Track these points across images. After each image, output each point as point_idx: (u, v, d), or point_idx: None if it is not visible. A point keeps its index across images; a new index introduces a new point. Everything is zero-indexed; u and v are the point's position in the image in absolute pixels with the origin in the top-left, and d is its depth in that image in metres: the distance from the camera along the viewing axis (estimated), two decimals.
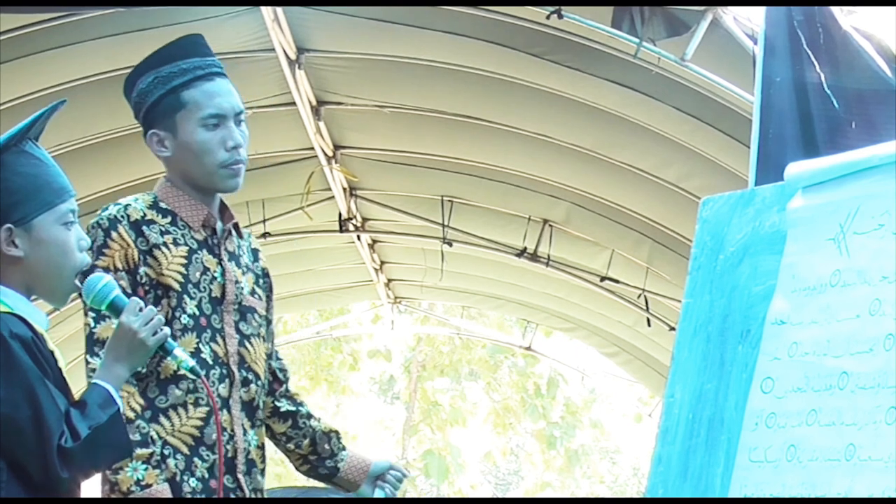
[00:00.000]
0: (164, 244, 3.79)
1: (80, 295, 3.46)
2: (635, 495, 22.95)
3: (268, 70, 8.20)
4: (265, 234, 10.64)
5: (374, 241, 11.97)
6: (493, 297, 13.33)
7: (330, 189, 10.35)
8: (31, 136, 3.33)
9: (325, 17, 7.72)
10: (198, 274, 3.82)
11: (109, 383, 3.28)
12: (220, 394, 3.79)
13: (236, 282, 3.89)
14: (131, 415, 3.64)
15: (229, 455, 3.80)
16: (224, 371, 3.81)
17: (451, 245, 10.98)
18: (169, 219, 3.84)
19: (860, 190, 3.18)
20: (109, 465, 3.41)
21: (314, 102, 8.93)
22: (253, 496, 3.85)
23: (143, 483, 3.64)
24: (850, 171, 3.23)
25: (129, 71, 3.95)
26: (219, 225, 3.92)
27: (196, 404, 3.75)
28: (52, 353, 3.24)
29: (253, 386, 3.87)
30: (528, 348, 15.41)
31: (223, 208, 3.95)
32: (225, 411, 3.80)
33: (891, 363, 2.97)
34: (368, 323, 17.72)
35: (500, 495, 25.93)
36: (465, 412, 22.77)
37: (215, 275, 3.85)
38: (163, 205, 3.86)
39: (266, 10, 7.47)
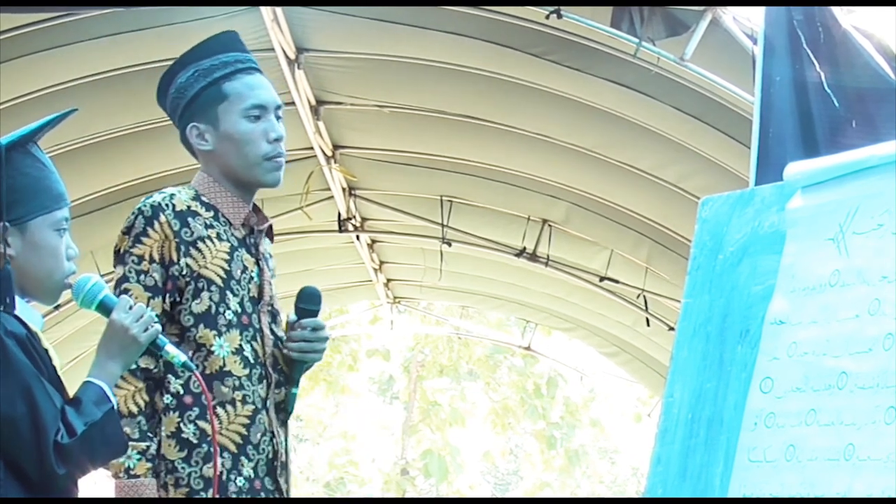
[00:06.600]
0: (209, 237, 3.75)
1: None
2: (635, 495, 22.96)
3: (267, 70, 8.06)
4: None
5: (374, 241, 11.97)
6: (492, 297, 13.33)
7: (329, 189, 10.35)
8: (35, 140, 3.35)
9: (324, 16, 7.71)
10: (239, 272, 3.79)
11: (103, 381, 3.29)
12: (259, 394, 3.77)
13: (270, 283, 3.88)
14: (134, 409, 3.64)
15: (270, 456, 3.79)
16: (262, 371, 3.79)
17: (450, 245, 10.98)
18: (212, 213, 3.80)
19: (859, 190, 3.18)
20: (105, 461, 3.42)
21: (313, 102, 8.93)
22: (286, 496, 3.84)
23: (132, 472, 3.64)
24: (850, 171, 3.22)
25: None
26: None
27: (244, 402, 3.73)
28: (46, 351, 3.25)
29: (283, 388, 3.85)
30: (528, 348, 15.41)
31: (257, 209, 3.91)
32: (264, 412, 3.78)
33: (890, 363, 2.97)
34: (367, 323, 17.72)
35: (499, 495, 25.92)
36: (464, 412, 22.77)
37: (253, 274, 3.83)
38: (204, 198, 3.81)
39: (265, 10, 7.47)
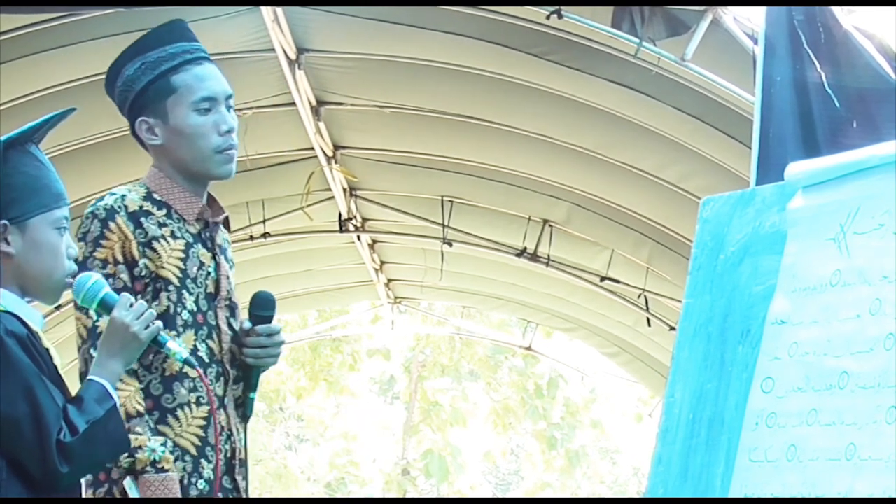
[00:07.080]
0: (163, 236, 3.70)
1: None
2: (635, 495, 22.95)
3: (268, 70, 8.20)
4: (265, 235, 10.65)
5: (374, 242, 11.97)
6: (493, 298, 13.33)
7: (330, 189, 10.35)
8: (35, 140, 3.34)
9: (324, 17, 7.71)
10: (195, 269, 3.74)
11: (105, 378, 3.29)
12: (217, 392, 3.73)
13: (227, 277, 3.83)
14: (140, 408, 3.61)
15: (228, 455, 3.76)
16: (219, 369, 3.76)
17: (451, 245, 10.98)
18: (164, 211, 3.74)
19: (860, 190, 3.19)
20: (108, 460, 3.41)
21: (314, 102, 8.93)
22: (244, 496, 3.80)
23: (158, 465, 3.60)
24: (851, 171, 3.23)
25: None
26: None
27: (198, 403, 3.69)
28: (47, 350, 3.25)
29: (242, 383, 3.81)
30: (529, 348, 15.40)
31: (211, 200, 3.86)
32: (222, 410, 3.75)
33: (891, 363, 2.97)
34: (368, 323, 17.72)
35: (499, 495, 25.92)
36: (465, 412, 22.76)
37: (209, 270, 3.78)
38: (156, 196, 3.74)
39: (266, 10, 7.47)
